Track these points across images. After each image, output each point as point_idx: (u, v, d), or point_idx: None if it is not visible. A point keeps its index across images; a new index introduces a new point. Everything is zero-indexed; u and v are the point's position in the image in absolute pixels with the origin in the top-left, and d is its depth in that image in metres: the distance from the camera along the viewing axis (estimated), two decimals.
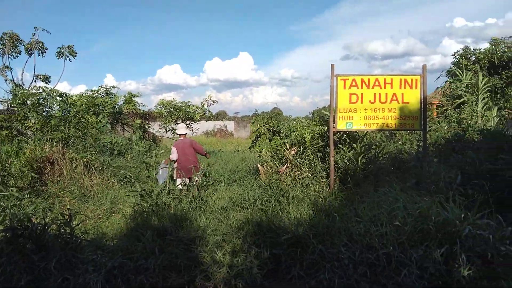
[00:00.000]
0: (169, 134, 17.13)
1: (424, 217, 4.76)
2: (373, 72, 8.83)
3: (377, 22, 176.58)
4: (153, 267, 4.59)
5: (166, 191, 6.50)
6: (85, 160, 9.43)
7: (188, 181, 7.73)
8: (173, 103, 16.56)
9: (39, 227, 4.62)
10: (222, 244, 4.99)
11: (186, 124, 16.75)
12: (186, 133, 9.20)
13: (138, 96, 17.78)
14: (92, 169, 9.37)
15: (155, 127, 18.12)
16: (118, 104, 17.07)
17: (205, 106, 16.62)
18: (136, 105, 17.38)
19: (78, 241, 4.84)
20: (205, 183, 7.07)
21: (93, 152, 10.52)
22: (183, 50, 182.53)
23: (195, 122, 16.97)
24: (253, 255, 4.69)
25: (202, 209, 6.14)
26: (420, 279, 4.24)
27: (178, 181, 8.04)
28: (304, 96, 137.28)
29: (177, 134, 9.33)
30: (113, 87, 17.29)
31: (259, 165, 8.08)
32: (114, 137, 13.94)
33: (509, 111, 17.87)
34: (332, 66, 7.16)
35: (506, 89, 17.77)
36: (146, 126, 17.20)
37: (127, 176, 8.13)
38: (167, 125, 16.46)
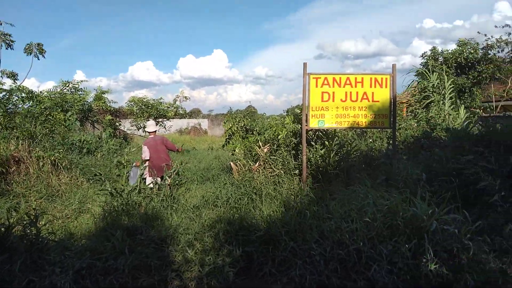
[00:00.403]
0: (140, 132, 16.84)
1: (393, 213, 4.87)
2: (346, 72, 9.09)
3: (349, 22, 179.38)
4: (123, 267, 4.50)
5: (137, 190, 6.39)
6: (52, 158, 9.17)
7: (160, 180, 7.61)
8: (144, 100, 16.27)
9: (2, 228, 4.45)
10: (194, 243, 4.94)
11: (158, 122, 16.51)
12: (156, 130, 9.02)
13: (108, 92, 17.33)
14: (60, 168, 9.11)
15: (126, 125, 17.77)
16: (87, 101, 16.64)
17: (177, 103, 16.42)
18: (107, 102, 16.96)
19: (45, 242, 4.70)
20: (177, 181, 6.98)
21: (61, 150, 10.23)
22: (156, 47, 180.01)
23: (168, 120, 16.74)
24: (225, 253, 4.67)
25: (174, 208, 6.07)
26: (390, 274, 4.34)
27: (149, 180, 7.90)
28: (278, 94, 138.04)
29: (146, 131, 9.14)
30: (82, 81, 16.77)
31: (232, 163, 8.05)
32: (84, 135, 13.61)
33: (475, 109, 18.56)
34: (305, 64, 7.21)
35: (473, 89, 18.42)
36: (117, 124, 16.84)
37: (97, 174, 7.94)
38: (139, 122, 16.17)
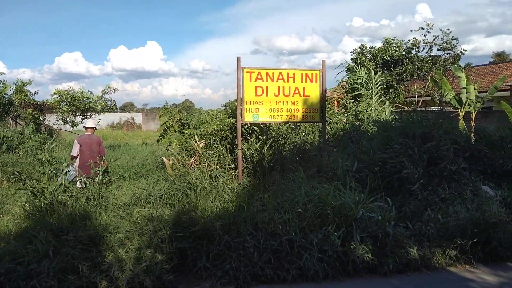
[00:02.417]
0: (68, 127, 15.82)
1: (323, 202, 5.07)
2: (281, 67, 9.27)
3: (284, 18, 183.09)
4: (47, 270, 4.25)
5: (62, 189, 6.01)
6: None
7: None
8: (70, 92, 15.26)
9: None
10: (125, 241, 4.76)
11: (86, 116, 15.62)
12: (94, 128, 8.52)
13: (30, 83, 16.02)
14: None
15: (52, 119, 16.61)
16: (7, 94, 15.30)
17: (106, 95, 15.61)
18: (29, 95, 15.70)
19: None
20: (105, 179, 6.64)
21: None
22: (85, 37, 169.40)
23: (96, 114, 15.87)
24: (158, 251, 4.56)
25: (103, 206, 5.79)
26: (320, 262, 4.52)
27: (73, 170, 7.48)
28: (215, 88, 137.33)
29: (84, 127, 8.61)
30: (1, 73, 15.35)
31: (164, 159, 7.86)
32: (3, 131, 12.57)
33: (399, 105, 19.87)
34: (238, 58, 7.21)
35: (396, 85, 19.67)
36: (41, 118, 15.69)
37: (15, 173, 7.35)
38: (65, 116, 15.16)
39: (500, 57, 43.60)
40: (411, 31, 25.72)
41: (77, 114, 15.38)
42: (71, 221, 5.26)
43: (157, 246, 4.63)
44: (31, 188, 5.97)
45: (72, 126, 15.71)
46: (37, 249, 4.52)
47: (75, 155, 7.83)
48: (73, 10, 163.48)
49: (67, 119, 15.30)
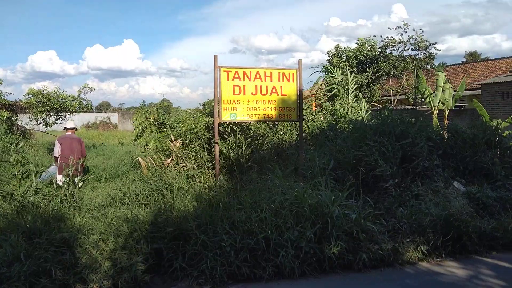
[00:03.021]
0: (41, 127, 15.40)
1: (299, 200, 5.12)
2: (259, 66, 9.26)
3: (262, 17, 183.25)
4: (18, 274, 4.14)
5: (33, 191, 5.87)
6: None
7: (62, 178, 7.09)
8: (44, 92, 14.85)
9: None
10: (99, 243, 4.69)
11: (61, 116, 15.25)
12: (75, 128, 8.66)
13: (0, 83, 15.52)
14: None
15: (24, 119, 16.13)
16: None
17: (82, 95, 15.26)
18: (0, 95, 15.18)
19: None
20: (78, 179, 6.52)
21: None
22: (59, 35, 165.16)
23: (71, 114, 15.51)
24: (133, 252, 4.51)
25: (77, 208, 5.69)
26: (296, 259, 4.56)
27: (59, 177, 7.37)
28: (194, 87, 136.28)
29: (64, 127, 8.82)
30: None
31: (140, 159, 7.77)
32: None
33: (375, 104, 20.21)
34: (215, 57, 7.19)
35: (372, 84, 20.00)
36: (13, 118, 15.20)
37: None
38: (39, 116, 14.75)
39: (472, 57, 44.92)
40: (388, 28, 26.20)
41: (51, 114, 14.98)
42: (44, 223, 5.14)
43: (132, 247, 4.58)
44: (1, 191, 5.81)
45: (46, 127, 15.29)
46: (6, 252, 4.41)
47: (57, 155, 7.86)
48: (46, 8, 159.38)
49: (40, 119, 14.88)
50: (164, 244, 4.60)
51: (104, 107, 54.89)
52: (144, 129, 9.51)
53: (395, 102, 21.23)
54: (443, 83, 14.77)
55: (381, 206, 6.06)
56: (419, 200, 6.05)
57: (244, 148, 7.69)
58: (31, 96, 14.89)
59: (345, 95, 14.57)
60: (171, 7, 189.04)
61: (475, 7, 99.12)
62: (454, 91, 15.54)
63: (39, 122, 15.08)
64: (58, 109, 15.05)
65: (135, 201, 5.85)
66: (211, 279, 4.32)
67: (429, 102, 14.99)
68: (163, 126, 9.34)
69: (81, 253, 4.54)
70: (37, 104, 14.62)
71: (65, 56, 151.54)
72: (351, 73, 16.10)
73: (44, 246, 4.58)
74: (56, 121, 15.50)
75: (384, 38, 20.31)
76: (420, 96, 16.66)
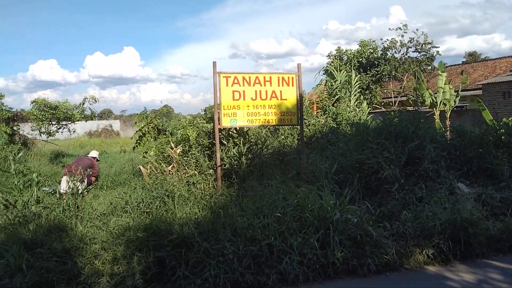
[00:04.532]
0: (44, 137, 15.40)
1: (302, 206, 5.07)
2: (258, 71, 9.25)
3: (261, 22, 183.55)
4: (20, 285, 4.12)
5: (35, 200, 5.85)
6: None
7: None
8: (48, 102, 14.88)
9: None
10: (101, 252, 4.65)
11: (63, 125, 15.27)
12: (95, 158, 9.16)
13: (3, 97, 15.54)
14: None
15: (26, 129, 16.15)
16: None
17: (85, 105, 15.31)
18: (2, 107, 15.16)
19: None
20: (82, 188, 6.51)
21: None
22: (59, 44, 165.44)
23: (73, 123, 15.54)
24: (135, 260, 4.47)
25: (79, 217, 5.66)
26: (300, 265, 4.51)
27: (63, 185, 7.32)
28: (194, 93, 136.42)
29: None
30: None
31: (141, 167, 7.73)
32: None
33: (376, 106, 20.18)
34: (214, 63, 7.17)
35: (373, 86, 19.99)
36: (15, 128, 15.20)
37: None
38: (41, 126, 14.76)
39: (472, 57, 44.88)
40: (389, 29, 26.20)
41: (53, 123, 14.99)
42: (46, 233, 5.12)
43: (134, 255, 4.53)
44: (3, 201, 5.78)
45: (48, 136, 15.31)
46: (9, 263, 4.38)
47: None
48: (46, 17, 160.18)
49: (43, 128, 14.90)
50: (167, 252, 4.55)
51: (105, 114, 54.93)
52: (145, 134, 9.47)
53: (396, 104, 21.20)
54: (444, 84, 14.71)
55: (384, 209, 6.00)
56: (423, 202, 5.99)
57: (244, 153, 7.66)
58: (35, 106, 14.90)
59: (348, 98, 14.53)
60: (170, 14, 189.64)
61: (472, 8, 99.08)
62: (455, 91, 15.49)
63: (41, 131, 15.09)
64: (60, 118, 15.06)
65: (137, 209, 5.82)
66: (214, 287, 4.27)
67: (430, 103, 14.94)
68: (163, 133, 9.32)
69: (83, 263, 4.50)
70: (39, 114, 14.63)
71: (66, 64, 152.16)
72: (355, 75, 16.08)
73: (46, 256, 4.56)
74: (58, 130, 15.51)
75: (385, 40, 20.33)
76: (421, 97, 16.60)
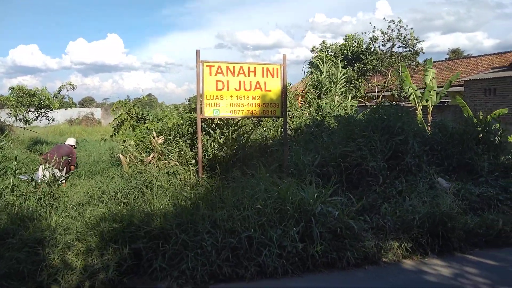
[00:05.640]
0: (20, 123, 14.99)
1: (283, 198, 5.01)
2: (243, 61, 9.04)
3: (247, 13, 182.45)
4: None
5: (10, 189, 5.65)
6: None
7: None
8: (26, 89, 14.45)
9: None
10: (75, 243, 4.51)
11: (41, 113, 14.87)
12: (73, 146, 9.01)
13: None
14: None
15: (2, 115, 15.70)
16: None
17: (63, 92, 14.92)
18: None
19: None
20: (59, 175, 6.33)
21: None
22: (41, 29, 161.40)
23: (51, 110, 15.14)
24: (110, 252, 4.35)
25: (54, 206, 5.49)
26: (279, 258, 4.46)
27: (39, 174, 7.13)
28: (179, 82, 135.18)
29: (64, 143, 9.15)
30: None
31: (120, 155, 7.55)
32: None
33: (360, 100, 20.23)
34: (197, 51, 7.01)
35: (356, 81, 20.02)
36: None
37: None
38: (18, 113, 14.34)
39: (455, 54, 45.45)
40: (383, 19, 26.00)
41: (31, 110, 14.60)
42: (18, 222, 4.95)
43: (109, 247, 4.41)
44: None
45: (25, 123, 14.91)
46: None
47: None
48: (28, 1, 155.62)
49: (19, 116, 14.48)
50: (143, 243, 4.44)
51: (87, 102, 53.88)
52: (124, 121, 9.21)
53: (380, 98, 21.32)
54: (430, 80, 14.86)
55: (365, 202, 6.00)
56: (403, 196, 6.01)
57: (228, 144, 7.56)
58: (13, 94, 14.46)
59: (333, 90, 14.51)
60: (155, 1, 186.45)
61: (457, 5, 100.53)
62: (439, 87, 15.65)
63: (18, 118, 14.68)
64: (37, 106, 14.67)
65: (114, 199, 5.67)
66: (192, 279, 4.19)
67: (413, 98, 15.07)
68: (142, 121, 9.10)
69: (56, 254, 4.36)
70: (15, 100, 14.21)
71: (47, 50, 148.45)
72: (342, 67, 16.03)
73: (17, 247, 4.41)
74: (36, 118, 15.13)
75: (373, 30, 20.24)
76: (404, 92, 16.73)
